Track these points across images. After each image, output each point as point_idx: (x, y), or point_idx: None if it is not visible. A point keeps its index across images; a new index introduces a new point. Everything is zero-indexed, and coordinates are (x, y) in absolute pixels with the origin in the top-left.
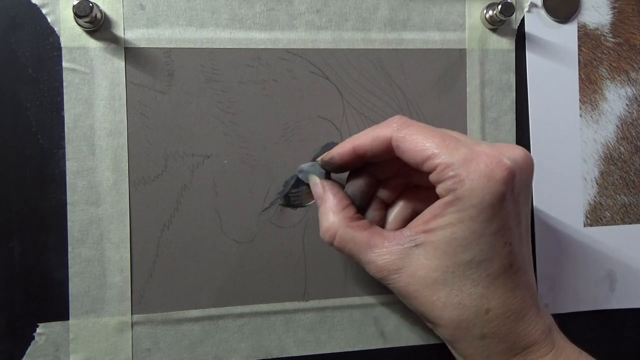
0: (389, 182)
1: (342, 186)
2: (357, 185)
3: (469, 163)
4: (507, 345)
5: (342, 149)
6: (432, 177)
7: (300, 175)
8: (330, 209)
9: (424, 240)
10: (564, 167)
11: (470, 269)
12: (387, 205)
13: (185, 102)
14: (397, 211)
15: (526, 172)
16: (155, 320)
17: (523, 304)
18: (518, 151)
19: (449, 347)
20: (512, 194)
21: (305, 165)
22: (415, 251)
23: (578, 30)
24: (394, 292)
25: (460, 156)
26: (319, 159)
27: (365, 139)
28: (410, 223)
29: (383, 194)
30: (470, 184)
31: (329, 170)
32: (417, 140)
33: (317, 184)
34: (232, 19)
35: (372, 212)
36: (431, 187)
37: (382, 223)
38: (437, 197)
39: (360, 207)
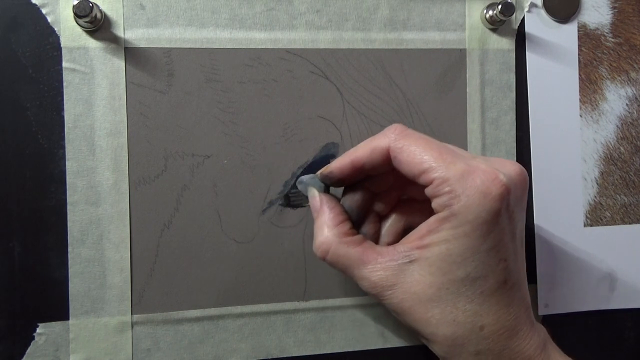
0: (384, 195)
1: (339, 200)
2: (353, 199)
3: (465, 178)
4: None
5: (342, 163)
6: (428, 191)
7: (299, 187)
8: (326, 223)
9: (419, 256)
10: (564, 167)
11: (464, 285)
12: (381, 218)
13: (185, 102)
14: (390, 224)
15: (521, 188)
16: (155, 320)
17: (517, 320)
18: (513, 167)
19: None
20: (507, 211)
21: (305, 177)
22: (409, 267)
23: (578, 30)
24: (388, 309)
25: (457, 171)
26: (318, 172)
27: (364, 151)
28: (405, 238)
29: (378, 207)
30: (466, 201)
31: (328, 184)
32: (415, 152)
33: (315, 196)
34: (232, 19)
35: (367, 226)
36: (425, 200)
37: (376, 236)
38: (431, 211)
39: (356, 221)
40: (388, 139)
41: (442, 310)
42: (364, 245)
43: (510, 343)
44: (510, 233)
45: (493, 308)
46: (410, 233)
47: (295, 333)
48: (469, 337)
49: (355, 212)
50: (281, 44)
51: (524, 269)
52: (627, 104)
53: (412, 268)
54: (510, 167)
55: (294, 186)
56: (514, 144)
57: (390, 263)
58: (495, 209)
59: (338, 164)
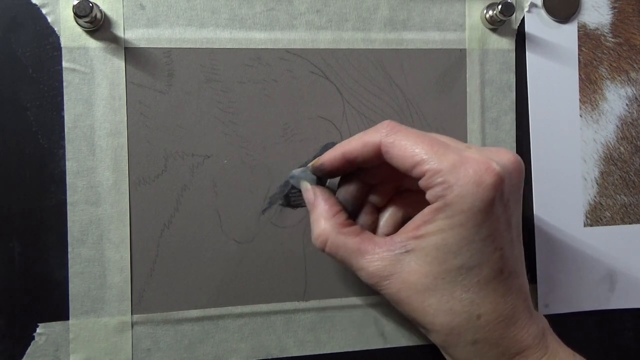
0: (380, 187)
1: (333, 192)
2: (348, 190)
3: (457, 169)
4: (499, 350)
5: (333, 155)
6: (422, 183)
7: (291, 181)
8: (322, 215)
9: (415, 246)
10: (564, 167)
11: (460, 275)
12: (378, 210)
13: (185, 102)
14: (388, 215)
15: (516, 177)
16: (155, 320)
17: (515, 309)
18: (508, 156)
19: (443, 352)
20: (502, 200)
21: (296, 171)
22: (406, 257)
23: (578, 30)
24: (386, 298)
25: (449, 162)
26: (310, 164)
27: (355, 144)
28: (402, 229)
29: (374, 198)
30: (459, 191)
31: (320, 176)
32: (406, 146)
33: (308, 190)
34: (232, 19)
35: (364, 217)
36: (422, 191)
37: (374, 227)
38: (427, 202)
39: (352, 212)
40: (379, 134)
41: (438, 300)
42: (361, 236)
43: (508, 332)
44: (505, 222)
45: (490, 297)
46: (407, 224)
47: (295, 333)
48: (466, 326)
49: (351, 203)
50: (281, 44)
51: (521, 259)
52: (627, 104)
53: (409, 258)
54: (505, 156)
55: (294, 186)
56: (514, 144)
57: (387, 253)
58: (489, 198)
59: (329, 156)
